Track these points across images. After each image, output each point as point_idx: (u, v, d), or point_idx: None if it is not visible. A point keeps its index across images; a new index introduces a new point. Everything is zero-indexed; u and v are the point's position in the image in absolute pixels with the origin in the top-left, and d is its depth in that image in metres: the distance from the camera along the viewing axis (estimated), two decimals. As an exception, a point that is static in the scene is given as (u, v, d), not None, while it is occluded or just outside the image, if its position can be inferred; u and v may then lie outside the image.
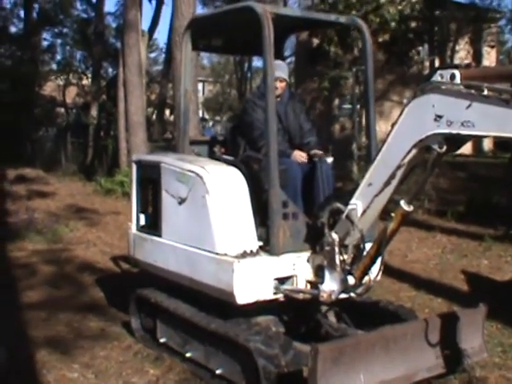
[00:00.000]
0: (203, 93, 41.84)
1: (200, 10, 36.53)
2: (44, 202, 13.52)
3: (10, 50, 23.56)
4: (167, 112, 28.98)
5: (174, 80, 14.09)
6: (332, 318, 4.92)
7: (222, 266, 4.51)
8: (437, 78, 3.76)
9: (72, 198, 14.28)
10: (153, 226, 5.36)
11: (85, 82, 27.63)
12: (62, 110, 29.10)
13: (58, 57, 28.39)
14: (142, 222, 5.62)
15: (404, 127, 3.96)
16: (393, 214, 4.17)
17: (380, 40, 17.01)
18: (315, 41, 19.61)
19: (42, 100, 25.39)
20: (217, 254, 4.56)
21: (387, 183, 4.13)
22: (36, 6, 25.09)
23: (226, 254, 4.52)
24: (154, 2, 23.59)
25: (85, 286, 7.48)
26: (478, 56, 26.61)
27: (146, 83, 21.62)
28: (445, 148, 3.78)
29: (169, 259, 5.13)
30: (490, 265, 8.51)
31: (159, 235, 5.25)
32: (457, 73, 3.66)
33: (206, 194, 4.62)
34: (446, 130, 3.70)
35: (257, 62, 36.37)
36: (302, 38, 23.69)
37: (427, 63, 19.75)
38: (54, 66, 28.45)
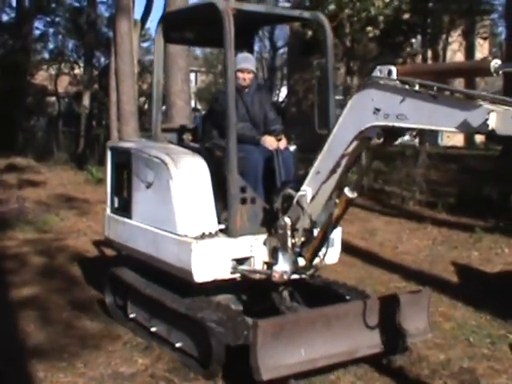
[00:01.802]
0: (196, 83, 42.19)
1: (192, 0, 36.98)
2: (35, 191, 13.67)
3: (1, 38, 23.86)
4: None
5: (165, 70, 14.38)
6: (287, 297, 5.35)
7: (182, 247, 4.95)
8: (377, 73, 4.18)
9: (63, 187, 14.44)
10: (124, 208, 5.83)
11: (77, 71, 27.97)
12: (54, 99, 29.46)
13: (50, 46, 28.72)
14: (116, 204, 6.08)
15: (347, 119, 4.38)
16: (337, 201, 4.59)
17: (371, 35, 17.33)
18: (308, 32, 19.97)
19: (34, 89, 25.67)
20: (178, 235, 5.01)
21: (333, 171, 4.56)
22: (28, -6, 25.38)
23: (186, 236, 4.96)
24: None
25: (75, 277, 7.61)
26: (470, 48, 26.99)
27: (138, 73, 21.86)
28: (382, 139, 4.22)
29: (137, 240, 5.59)
30: (481, 256, 8.68)
31: (130, 217, 5.71)
32: (393, 69, 4.08)
33: (169, 179, 5.06)
34: (383, 123, 4.12)
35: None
36: (295, 29, 24.07)
37: (420, 55, 20.07)
38: (46, 55, 28.79)
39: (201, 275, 4.90)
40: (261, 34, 34.23)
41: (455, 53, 23.89)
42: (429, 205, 12.31)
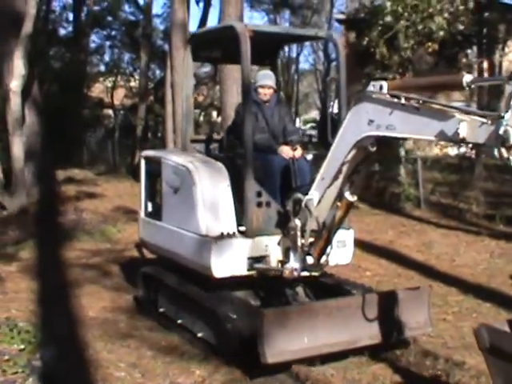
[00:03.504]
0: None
1: (247, 13, 37.83)
2: (92, 202, 14.51)
3: (59, 52, 25.24)
4: (214, 113, 30.37)
5: (221, 83, 15.02)
6: (300, 293, 6.01)
7: (203, 245, 5.67)
8: (370, 88, 4.82)
9: (120, 198, 15.18)
10: (155, 212, 6.62)
11: (132, 83, 29.28)
12: (110, 111, 30.84)
13: (106, 58, 30.06)
14: (149, 209, 6.86)
15: (346, 129, 5.01)
16: (339, 204, 5.23)
17: (430, 50, 17.66)
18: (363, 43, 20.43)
19: (90, 102, 27.02)
20: (200, 235, 5.73)
21: (336, 177, 5.18)
22: (85, 8, 26.68)
23: (207, 235, 5.67)
24: (201, 4, 24.85)
25: (132, 287, 7.72)
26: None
27: (194, 85, 22.85)
28: (375, 148, 4.86)
29: (166, 240, 6.35)
30: (540, 270, 8.63)
31: (160, 220, 6.48)
32: (384, 84, 4.70)
33: (192, 185, 5.80)
34: (376, 133, 4.74)
35: (303, 65, 37.42)
36: (349, 41, 24.62)
37: (476, 66, 20.38)
38: (102, 68, 30.24)
39: (219, 271, 5.60)
40: (315, 46, 35.04)
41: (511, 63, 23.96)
42: (486, 217, 12.58)
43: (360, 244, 10.30)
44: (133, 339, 6.11)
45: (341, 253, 6.07)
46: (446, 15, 16.22)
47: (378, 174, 17.08)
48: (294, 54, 43.67)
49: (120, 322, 6.61)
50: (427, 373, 5.24)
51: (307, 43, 38.30)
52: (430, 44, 17.05)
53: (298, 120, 43.10)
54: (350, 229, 6.21)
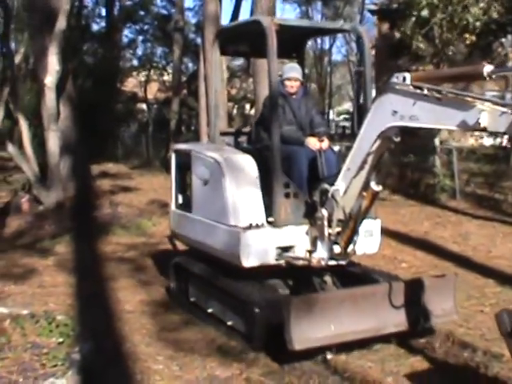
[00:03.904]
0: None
1: (280, 5, 37.81)
2: (127, 196, 14.79)
3: (92, 47, 25.68)
4: (247, 106, 30.56)
5: (254, 76, 15.07)
6: (328, 282, 6.15)
7: (232, 236, 5.85)
8: (394, 79, 4.94)
9: (154, 192, 15.35)
10: (186, 203, 6.83)
11: (166, 77, 29.62)
12: (144, 105, 31.25)
13: (139, 53, 30.44)
14: (179, 201, 7.07)
15: (371, 120, 5.15)
16: (365, 194, 5.37)
17: (467, 42, 17.56)
18: (397, 34, 20.35)
19: (124, 96, 27.44)
20: (229, 225, 5.90)
21: (361, 168, 5.33)
22: (117, 3, 27.10)
23: (236, 226, 5.85)
24: (233, -3, 24.99)
25: (167, 280, 7.72)
26: None
27: (227, 78, 23.06)
28: (399, 138, 4.99)
29: (197, 231, 6.55)
30: None
31: (190, 211, 6.68)
32: (407, 75, 4.82)
33: (221, 177, 5.98)
34: (400, 123, 4.88)
35: (336, 56, 37.26)
36: (382, 32, 24.54)
37: (511, 55, 20.15)
38: (135, 63, 30.64)
39: (248, 261, 5.77)
40: (347, 38, 34.94)
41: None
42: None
43: (395, 235, 10.52)
44: (170, 332, 6.20)
45: (368, 242, 6.20)
46: (481, 5, 16.11)
47: (412, 164, 17.09)
48: (326, 46, 43.83)
49: (157, 316, 6.71)
50: (465, 365, 5.30)
51: (339, 35, 38.30)
52: (467, 36, 16.93)
53: (331, 112, 43.09)
54: (376, 219, 6.34)
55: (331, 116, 42.52)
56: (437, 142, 16.67)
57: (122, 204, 13.42)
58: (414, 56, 18.40)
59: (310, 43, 39.60)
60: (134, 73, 29.87)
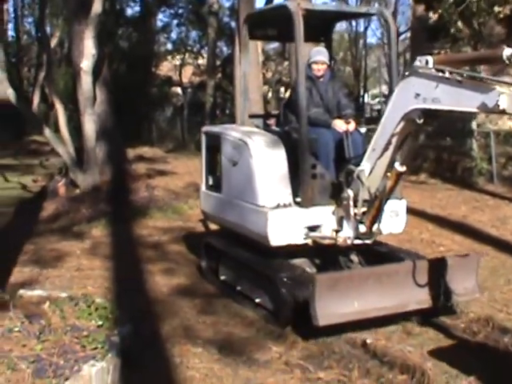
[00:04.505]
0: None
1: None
2: (163, 179, 14.83)
3: (126, 32, 26.01)
4: (282, 89, 30.72)
5: (289, 58, 15.09)
6: (354, 260, 6.39)
7: (260, 215, 6.10)
8: (417, 63, 5.12)
9: (190, 175, 15.32)
10: (215, 184, 7.11)
11: (200, 61, 29.90)
12: (179, 89, 31.60)
13: (174, 37, 30.68)
14: (210, 182, 7.35)
15: (395, 103, 5.34)
16: (389, 174, 5.57)
17: (501, 16, 17.42)
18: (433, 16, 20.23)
19: (159, 80, 27.79)
20: (257, 205, 6.16)
21: (386, 149, 5.53)
22: (151, -12, 27.33)
23: (264, 206, 6.10)
24: (268, -19, 25.06)
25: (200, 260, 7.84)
26: None
27: (262, 61, 23.24)
28: (422, 120, 5.18)
29: (226, 211, 6.83)
30: None
31: (220, 192, 6.96)
32: (430, 59, 4.99)
33: (250, 158, 6.24)
34: (423, 106, 5.05)
35: (371, 39, 36.97)
36: (418, 14, 24.39)
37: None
38: (170, 47, 30.95)
39: (276, 240, 6.02)
40: (382, 21, 34.62)
41: None
42: None
43: (433, 219, 10.66)
44: (208, 315, 6.32)
45: (393, 222, 6.42)
46: None
47: (449, 148, 17.09)
48: (361, 29, 43.65)
49: (194, 299, 6.82)
50: (506, 350, 5.33)
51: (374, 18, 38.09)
52: (499, 9, 16.79)
53: (366, 95, 42.95)
54: (402, 199, 6.54)
55: (366, 99, 42.35)
56: (474, 125, 16.63)
57: (158, 187, 13.49)
58: (451, 38, 18.29)
59: (344, 26, 39.51)
60: (169, 57, 30.17)
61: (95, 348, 4.76)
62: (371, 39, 40.39)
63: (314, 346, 5.46)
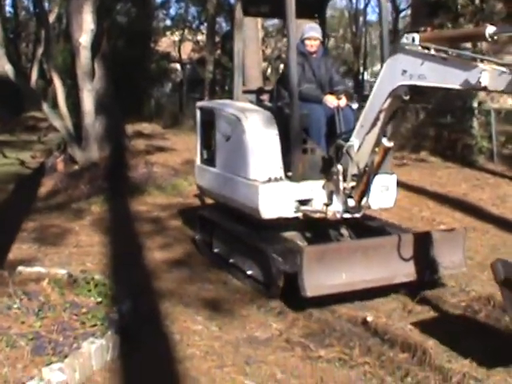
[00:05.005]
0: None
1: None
2: (162, 156, 15.00)
3: (125, 7, 25.99)
4: (281, 65, 30.72)
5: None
6: (345, 234, 6.60)
7: (251, 189, 6.31)
8: (404, 40, 5.30)
9: (189, 152, 14.95)
10: (210, 159, 7.31)
11: (199, 37, 29.96)
12: (177, 65, 31.66)
13: (172, 13, 30.63)
14: (204, 156, 7.55)
15: (383, 79, 5.52)
16: (377, 149, 5.76)
17: None
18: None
19: (157, 56, 27.88)
20: (249, 179, 6.36)
21: (374, 124, 5.72)
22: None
23: (255, 180, 6.30)
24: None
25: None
26: None
27: (262, 38, 23.30)
28: (408, 96, 5.37)
29: (220, 185, 7.06)
30: None
31: (214, 166, 7.17)
32: (416, 36, 5.17)
33: (242, 133, 6.43)
34: (409, 82, 5.23)
35: (371, 16, 36.85)
36: (417, -11, 24.33)
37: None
38: (168, 22, 30.98)
39: (267, 213, 6.24)
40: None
41: None
42: None
43: (433, 197, 10.79)
44: (208, 292, 6.37)
45: (384, 197, 6.63)
46: None
47: (450, 126, 17.20)
48: (361, 6, 43.44)
49: (195, 275, 6.86)
50: (507, 329, 5.30)
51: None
52: None
53: (365, 72, 42.90)
54: (392, 174, 6.74)
55: (366, 76, 42.33)
56: (475, 103, 16.72)
57: (157, 164, 13.60)
58: (452, 15, 18.32)
59: (344, 3, 39.36)
60: (168, 33, 30.20)
61: (94, 325, 4.83)
62: (371, 16, 40.38)
63: (315, 324, 5.53)
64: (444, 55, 4.89)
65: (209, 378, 4.58)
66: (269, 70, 28.83)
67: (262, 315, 5.76)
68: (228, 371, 4.69)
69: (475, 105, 16.70)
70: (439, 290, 6.29)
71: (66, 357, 4.34)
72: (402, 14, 38.71)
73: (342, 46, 38.68)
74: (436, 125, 17.50)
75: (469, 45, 15.12)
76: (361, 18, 42.64)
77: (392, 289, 6.04)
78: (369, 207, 6.23)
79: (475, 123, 16.52)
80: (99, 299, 5.36)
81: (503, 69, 4.47)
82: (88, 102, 12.78)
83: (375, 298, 6.00)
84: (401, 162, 14.45)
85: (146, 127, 19.85)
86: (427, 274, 6.02)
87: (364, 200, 6.08)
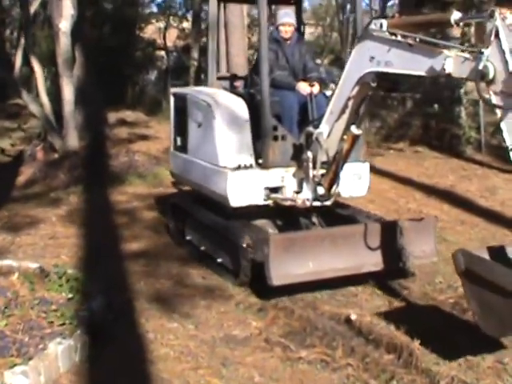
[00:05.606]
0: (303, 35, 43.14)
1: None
2: (145, 144, 14.61)
3: (111, -7, 25.88)
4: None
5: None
6: (316, 222, 6.63)
7: (221, 176, 6.33)
8: (372, 26, 5.32)
9: None
10: (182, 145, 7.33)
11: (185, 24, 29.81)
12: (163, 53, 31.50)
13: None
14: (177, 143, 7.56)
15: (351, 66, 5.54)
16: (345, 137, 5.79)
17: None
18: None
19: (143, 43, 27.75)
20: (219, 166, 6.38)
21: (343, 112, 5.75)
22: None
23: (225, 167, 6.32)
24: None
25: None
26: None
27: (248, 25, 23.17)
28: (376, 83, 5.40)
29: (191, 172, 7.08)
30: None
31: (186, 153, 7.19)
32: (384, 22, 5.20)
33: (213, 119, 6.44)
34: (377, 69, 5.26)
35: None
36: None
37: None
38: (155, 9, 30.82)
39: (236, 200, 6.26)
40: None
41: None
42: None
43: (420, 188, 10.73)
44: (186, 288, 6.21)
45: (356, 185, 6.67)
46: None
47: (437, 115, 17.20)
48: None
49: (173, 270, 6.71)
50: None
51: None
52: None
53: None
54: (365, 162, 6.77)
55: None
56: (462, 91, 16.72)
57: (139, 152, 13.32)
58: (440, 4, 18.33)
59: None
60: (154, 20, 30.03)
61: (63, 324, 4.69)
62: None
63: (296, 322, 5.36)
64: (411, 41, 4.91)
65: (182, 380, 4.45)
66: (255, 57, 28.63)
67: (241, 312, 5.64)
68: (203, 373, 4.55)
69: (463, 94, 16.70)
70: (426, 286, 6.24)
71: (30, 359, 4.20)
72: (390, 3, 38.50)
73: (329, 35, 38.47)
74: (423, 114, 17.50)
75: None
76: (348, 7, 42.47)
77: (377, 284, 6.06)
78: (339, 195, 6.26)
79: (463, 113, 16.49)
80: (70, 295, 5.21)
81: (467, 55, 4.51)
82: (68, 89, 12.60)
83: (359, 295, 5.98)
84: (387, 151, 14.47)
85: (129, 115, 19.58)
86: (397, 263, 6.04)
87: (334, 188, 6.10)
